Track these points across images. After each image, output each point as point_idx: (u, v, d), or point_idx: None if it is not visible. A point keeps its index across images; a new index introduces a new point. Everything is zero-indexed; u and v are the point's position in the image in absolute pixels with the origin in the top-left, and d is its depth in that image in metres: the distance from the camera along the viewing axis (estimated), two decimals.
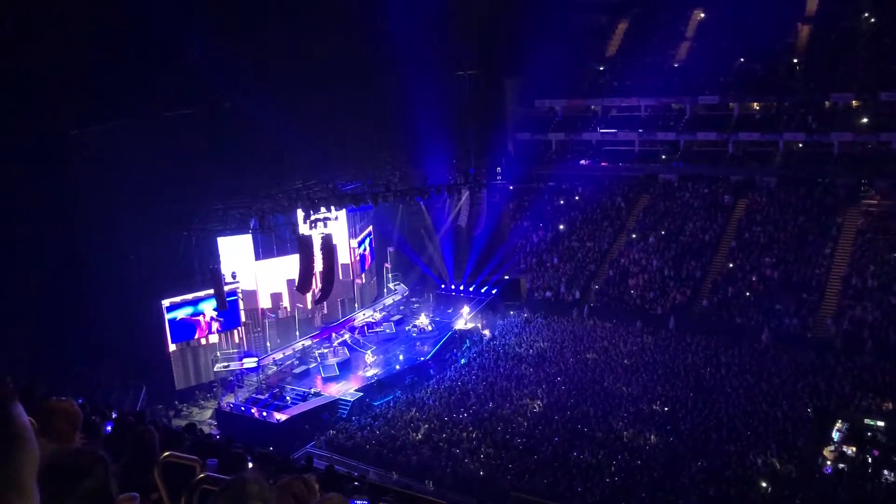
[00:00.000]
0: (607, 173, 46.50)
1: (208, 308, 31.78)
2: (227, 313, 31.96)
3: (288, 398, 30.40)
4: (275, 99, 32.03)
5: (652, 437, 25.92)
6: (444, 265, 42.08)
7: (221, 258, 32.16)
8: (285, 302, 34.84)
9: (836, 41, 44.38)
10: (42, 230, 27.08)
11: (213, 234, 31.97)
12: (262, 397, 30.36)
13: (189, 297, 31.51)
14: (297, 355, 33.69)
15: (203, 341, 32.20)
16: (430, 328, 36.35)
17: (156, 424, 11.17)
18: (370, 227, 39.76)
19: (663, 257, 39.67)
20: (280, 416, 28.74)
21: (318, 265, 31.11)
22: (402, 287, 41.08)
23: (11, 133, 25.83)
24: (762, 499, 22.28)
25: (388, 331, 36.90)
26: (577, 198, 46.41)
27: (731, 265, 38.13)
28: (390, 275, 40.83)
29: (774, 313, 34.16)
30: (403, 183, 36.69)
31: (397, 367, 33.13)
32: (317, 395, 30.73)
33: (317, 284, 32.56)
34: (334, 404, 30.16)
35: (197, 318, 31.77)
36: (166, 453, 4.06)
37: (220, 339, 32.71)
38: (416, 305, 41.00)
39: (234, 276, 32.13)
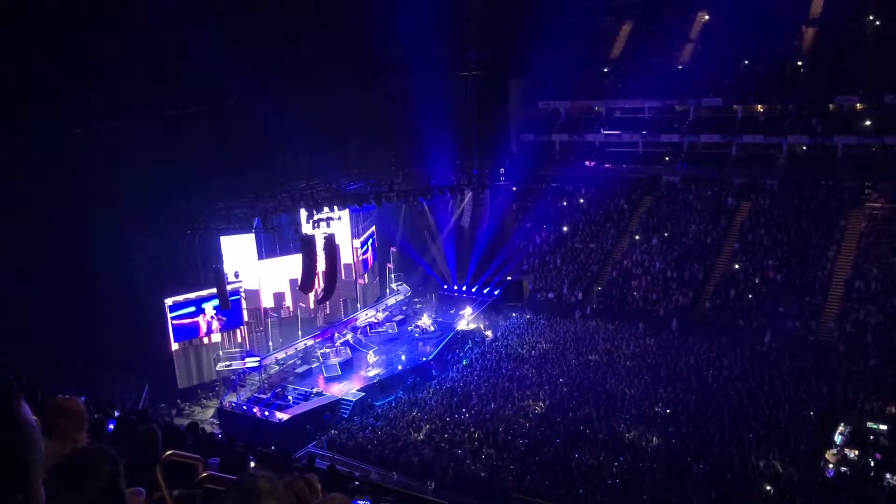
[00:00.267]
0: (610, 175, 46.44)
1: (209, 308, 31.82)
2: (230, 312, 32.01)
3: (290, 398, 30.44)
4: (279, 99, 32.12)
5: (654, 439, 25.89)
6: (446, 266, 42.10)
7: (224, 257, 32.22)
8: (288, 301, 34.87)
9: (841, 44, 44.25)
10: (46, 227, 27.16)
11: (216, 234, 32.03)
12: (265, 397, 30.40)
13: (192, 296, 31.56)
14: (300, 355, 33.74)
15: (206, 340, 32.25)
16: (432, 329, 36.35)
17: (158, 423, 11.19)
18: (373, 228, 39.78)
19: (666, 259, 39.63)
20: (282, 416, 28.78)
21: (321, 265, 31.14)
22: (404, 287, 41.10)
23: (17, 130, 25.92)
24: (764, 502, 22.22)
25: (390, 331, 36.94)
26: (580, 199, 46.38)
27: (734, 267, 38.07)
28: (393, 275, 40.85)
29: (777, 316, 34.09)
30: (407, 183, 36.71)
31: (399, 367, 33.15)
32: (319, 394, 30.77)
33: (319, 284, 32.60)
34: (336, 404, 30.19)
35: (196, 318, 31.79)
36: (168, 452, 4.06)
37: (222, 338, 32.77)
38: (418, 306, 41.02)
39: (236, 276, 32.19)
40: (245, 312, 33.55)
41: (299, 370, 32.87)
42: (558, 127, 50.19)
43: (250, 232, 32.21)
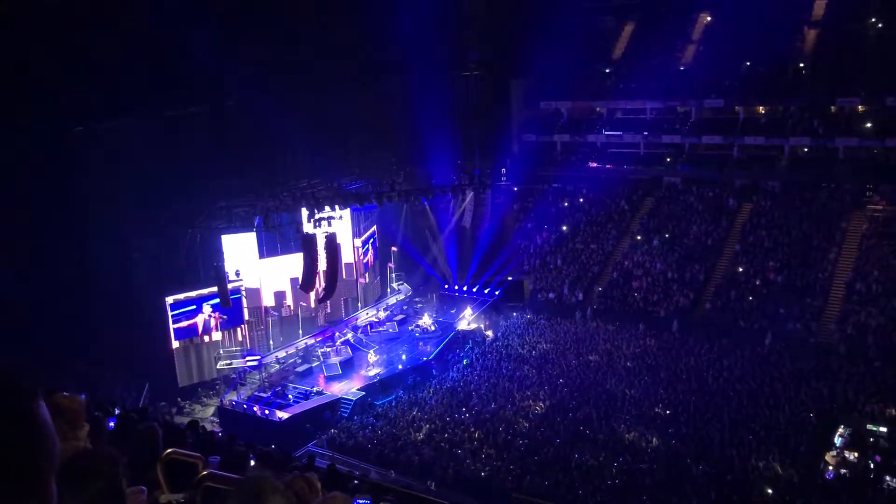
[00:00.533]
0: (612, 175, 46.41)
1: (206, 307, 31.82)
2: (231, 311, 32.02)
3: (290, 396, 30.46)
4: (280, 98, 32.12)
5: (654, 439, 25.89)
6: (447, 265, 42.10)
7: (225, 256, 32.25)
8: (289, 300, 34.90)
9: (843, 46, 44.18)
10: (46, 227, 27.17)
11: (217, 232, 32.07)
12: (265, 395, 30.42)
13: (193, 294, 31.60)
14: (300, 354, 33.76)
15: (206, 339, 32.28)
16: (432, 328, 36.36)
17: (158, 421, 11.19)
18: (374, 227, 39.79)
19: (667, 260, 39.61)
20: (282, 415, 28.79)
21: (322, 264, 31.16)
22: (405, 287, 41.12)
23: (17, 130, 25.94)
24: (764, 503, 22.24)
25: (391, 330, 36.94)
26: (581, 200, 46.35)
27: (734, 269, 38.06)
28: (394, 274, 40.87)
29: (778, 317, 34.06)
30: (408, 183, 36.71)
31: (400, 366, 33.16)
32: (319, 393, 30.79)
33: (320, 283, 32.61)
34: (336, 403, 30.21)
35: (196, 318, 31.80)
36: (169, 450, 4.06)
37: (223, 336, 32.79)
38: (419, 305, 41.02)
39: (237, 274, 32.22)
40: (246, 311, 33.58)
41: (300, 369, 32.88)
42: (560, 127, 50.17)
43: (251, 231, 32.23)
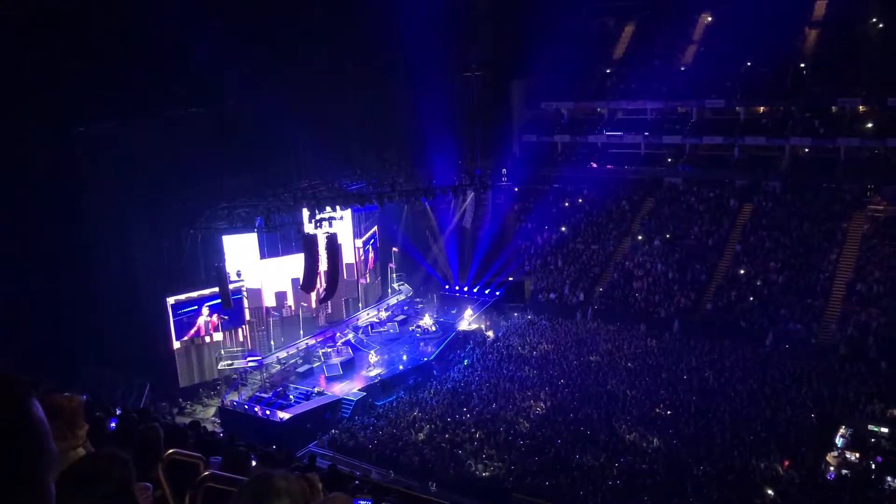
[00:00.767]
0: (613, 176, 46.40)
1: (205, 309, 31.81)
2: (232, 312, 32.03)
3: (291, 397, 30.49)
4: (281, 98, 32.13)
5: (655, 440, 25.88)
6: (448, 266, 42.09)
7: (227, 257, 32.26)
8: (290, 301, 34.91)
9: (844, 46, 44.19)
10: (49, 228, 27.21)
11: (218, 233, 32.08)
12: (266, 396, 30.44)
13: (194, 294, 31.61)
14: (301, 354, 33.77)
15: (207, 339, 32.29)
16: (433, 329, 36.36)
17: (159, 422, 11.19)
18: (375, 227, 39.80)
19: (668, 261, 39.59)
20: (283, 415, 28.81)
21: (323, 264, 31.17)
22: (406, 287, 41.13)
23: (19, 131, 25.96)
24: None
25: (391, 331, 36.95)
26: (581, 200, 46.33)
27: (735, 269, 38.04)
28: (395, 275, 40.88)
29: (779, 318, 34.06)
30: (409, 183, 36.69)
31: (401, 367, 33.18)
32: (320, 394, 30.80)
33: (321, 284, 32.63)
34: (337, 404, 30.22)
35: (197, 318, 31.79)
36: (170, 451, 4.07)
37: (224, 337, 32.80)
38: (420, 306, 41.01)
39: (238, 275, 32.21)
40: (247, 311, 33.59)
41: (301, 369, 32.89)
42: (560, 128, 50.18)
43: (252, 231, 32.24)
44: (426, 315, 37.74)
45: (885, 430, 25.38)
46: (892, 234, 36.79)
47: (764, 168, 43.33)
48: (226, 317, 32.30)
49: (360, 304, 38.49)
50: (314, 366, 33.15)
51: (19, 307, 24.96)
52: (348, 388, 31.28)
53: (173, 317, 31.10)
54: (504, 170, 45.75)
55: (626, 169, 46.85)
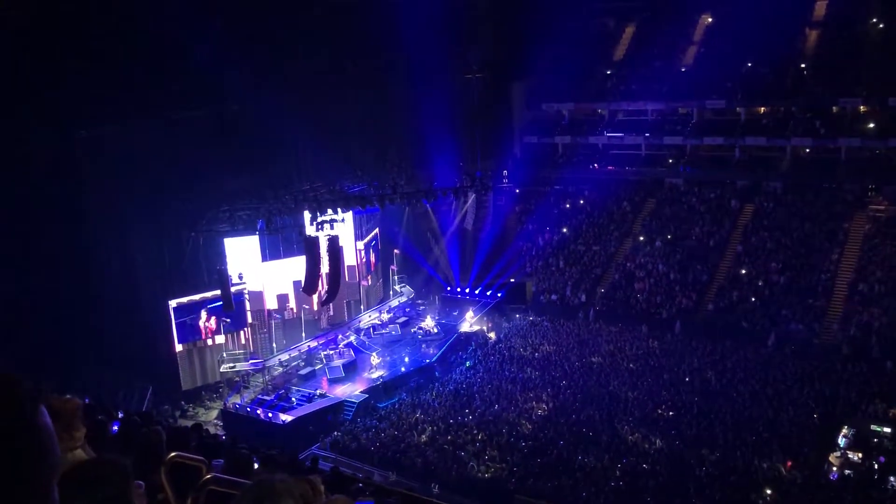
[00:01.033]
0: (613, 177, 46.38)
1: (204, 313, 31.79)
2: (234, 314, 32.02)
3: (293, 399, 30.49)
4: (282, 100, 32.11)
5: (657, 441, 25.87)
6: (449, 267, 42.07)
7: (228, 259, 32.21)
8: (291, 303, 34.92)
9: (845, 46, 44.18)
10: (50, 230, 27.20)
11: (220, 235, 32.06)
12: (268, 398, 30.45)
13: (196, 297, 31.59)
14: (303, 357, 33.77)
15: (209, 342, 32.29)
16: (435, 330, 36.37)
17: (162, 425, 11.21)
18: (377, 230, 39.79)
19: (669, 261, 39.58)
20: (285, 417, 28.82)
21: (325, 267, 31.17)
22: (407, 289, 41.11)
23: (20, 133, 25.97)
24: None
25: (393, 333, 36.94)
26: (582, 201, 46.33)
27: (737, 270, 38.03)
28: (396, 277, 40.87)
29: (781, 318, 34.04)
30: (410, 185, 36.68)
31: (403, 369, 33.18)
32: (322, 396, 30.80)
33: (323, 286, 32.63)
34: (339, 406, 30.22)
35: (198, 323, 31.80)
36: (172, 454, 4.07)
37: (226, 339, 32.80)
38: (421, 307, 41.00)
39: (240, 278, 32.20)
40: (249, 314, 33.58)
41: (303, 372, 32.89)
42: (561, 129, 50.16)
43: (254, 234, 32.24)
44: (428, 317, 37.73)
45: (887, 430, 25.35)
46: (894, 234, 36.77)
47: (765, 168, 43.31)
48: (228, 320, 32.30)
49: (361, 307, 38.49)
50: (316, 368, 33.14)
51: (19, 307, 24.93)
52: (350, 391, 31.29)
53: (175, 321, 31.09)
54: (505, 171, 45.70)
55: (627, 170, 46.82)
